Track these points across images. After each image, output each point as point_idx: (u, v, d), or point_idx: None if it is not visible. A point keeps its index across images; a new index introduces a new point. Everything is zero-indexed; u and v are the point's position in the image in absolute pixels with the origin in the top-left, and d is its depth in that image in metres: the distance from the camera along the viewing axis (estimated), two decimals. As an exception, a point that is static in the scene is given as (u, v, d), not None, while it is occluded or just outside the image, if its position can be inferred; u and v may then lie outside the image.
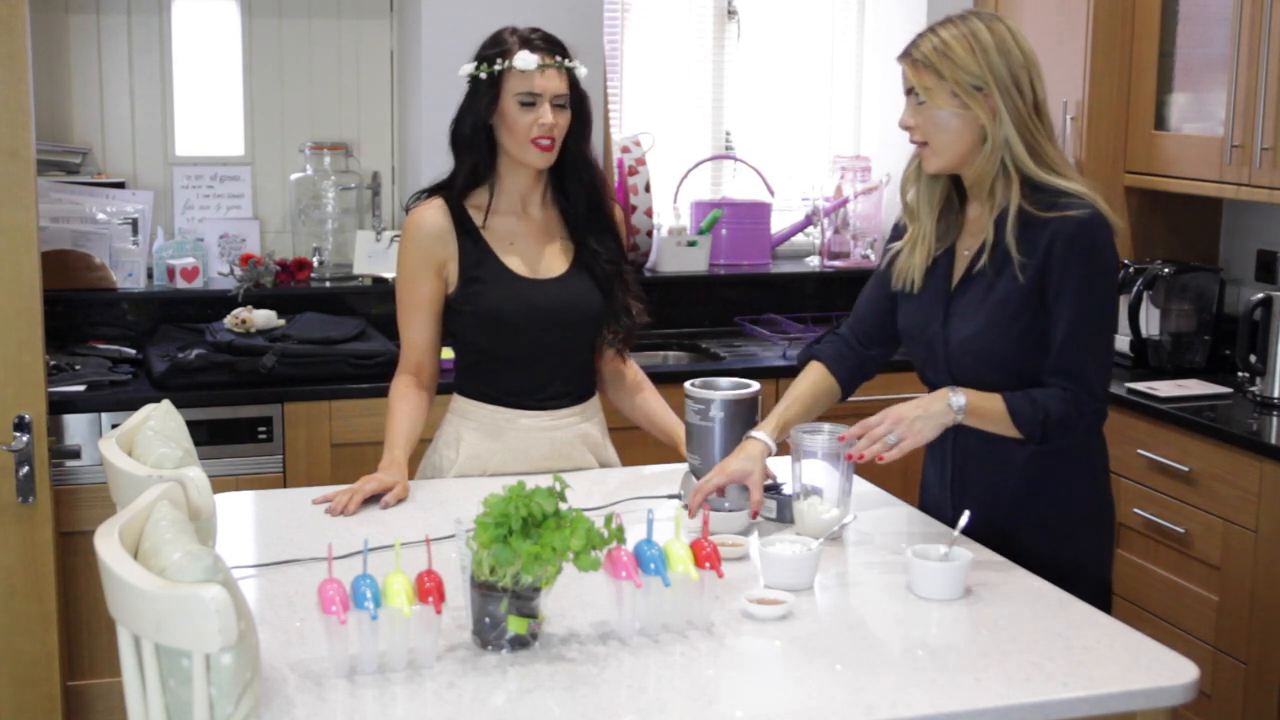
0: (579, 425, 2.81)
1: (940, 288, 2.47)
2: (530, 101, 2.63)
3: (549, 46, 2.67)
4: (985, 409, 2.33)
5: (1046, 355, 2.35)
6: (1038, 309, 2.34)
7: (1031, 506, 2.43)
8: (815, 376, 2.61)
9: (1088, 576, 2.36)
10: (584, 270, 2.77)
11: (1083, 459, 2.44)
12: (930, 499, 2.60)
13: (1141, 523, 3.58)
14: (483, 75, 2.66)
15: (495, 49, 2.67)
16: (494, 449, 2.76)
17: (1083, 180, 2.39)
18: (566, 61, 2.68)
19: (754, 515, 2.45)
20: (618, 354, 2.87)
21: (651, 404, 2.90)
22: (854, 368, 2.63)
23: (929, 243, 2.48)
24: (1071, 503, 2.44)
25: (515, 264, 2.73)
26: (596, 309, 2.76)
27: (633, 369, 2.92)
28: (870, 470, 2.89)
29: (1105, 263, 2.34)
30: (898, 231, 2.58)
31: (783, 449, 2.52)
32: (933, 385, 2.51)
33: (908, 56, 2.40)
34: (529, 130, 2.64)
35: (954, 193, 2.49)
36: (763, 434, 2.48)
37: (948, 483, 2.52)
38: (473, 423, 2.77)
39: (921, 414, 2.32)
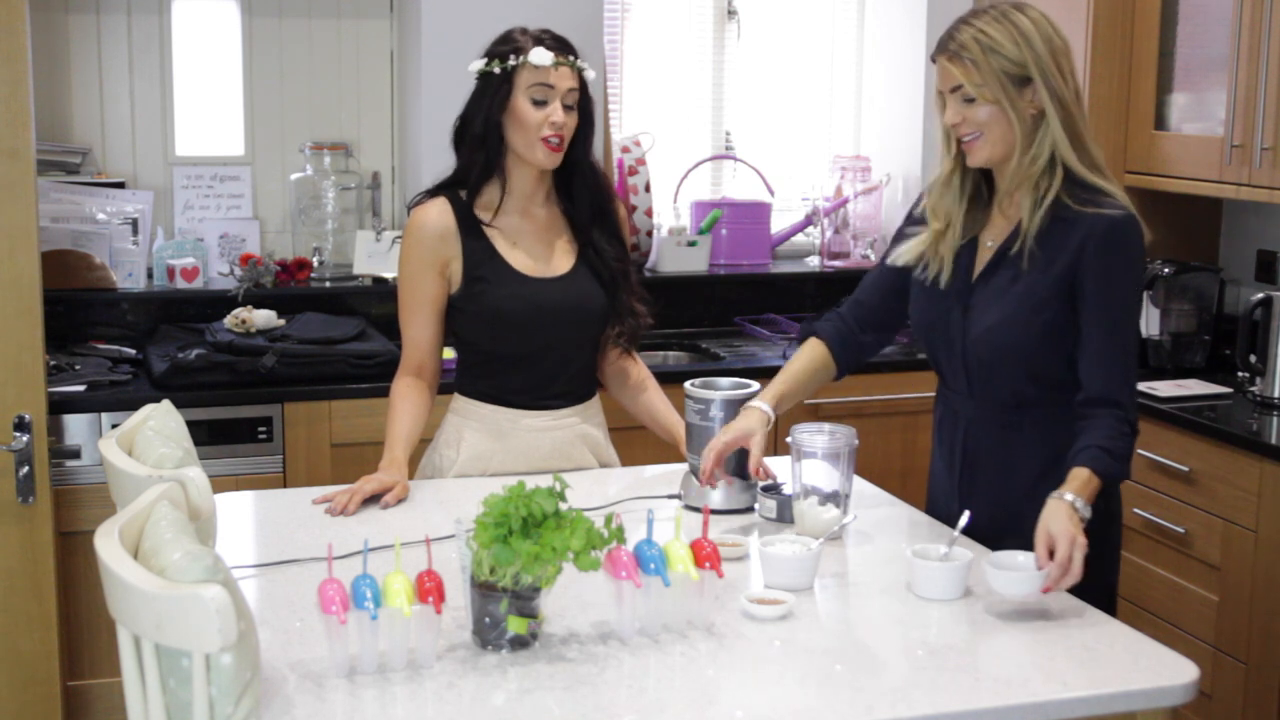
0: (580, 426, 2.81)
1: (961, 279, 2.44)
2: (542, 99, 2.63)
3: (560, 45, 2.67)
4: (1091, 489, 2.24)
5: (1064, 350, 2.34)
6: (1062, 305, 2.33)
7: (1037, 511, 2.41)
8: (813, 354, 2.60)
9: (1092, 580, 2.35)
10: (588, 269, 2.77)
11: None
12: (937, 497, 2.59)
13: (1141, 523, 3.58)
14: (495, 70, 2.65)
15: (507, 46, 2.67)
16: (495, 449, 2.76)
17: (1115, 180, 2.38)
18: (578, 61, 2.68)
19: (755, 473, 2.46)
20: (624, 352, 2.87)
21: (655, 402, 2.90)
22: (852, 350, 2.61)
23: (956, 233, 2.45)
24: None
25: (519, 263, 2.72)
26: (600, 308, 2.76)
27: (638, 367, 2.92)
28: (870, 470, 2.90)
29: (1138, 266, 2.35)
30: (901, 238, 2.56)
31: (783, 449, 2.52)
32: (948, 377, 2.50)
33: (947, 52, 2.34)
34: (539, 128, 2.64)
35: (984, 185, 2.46)
36: (763, 404, 2.48)
37: (955, 484, 2.51)
38: (474, 422, 2.77)
39: (1076, 529, 2.17)
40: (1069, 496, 2.21)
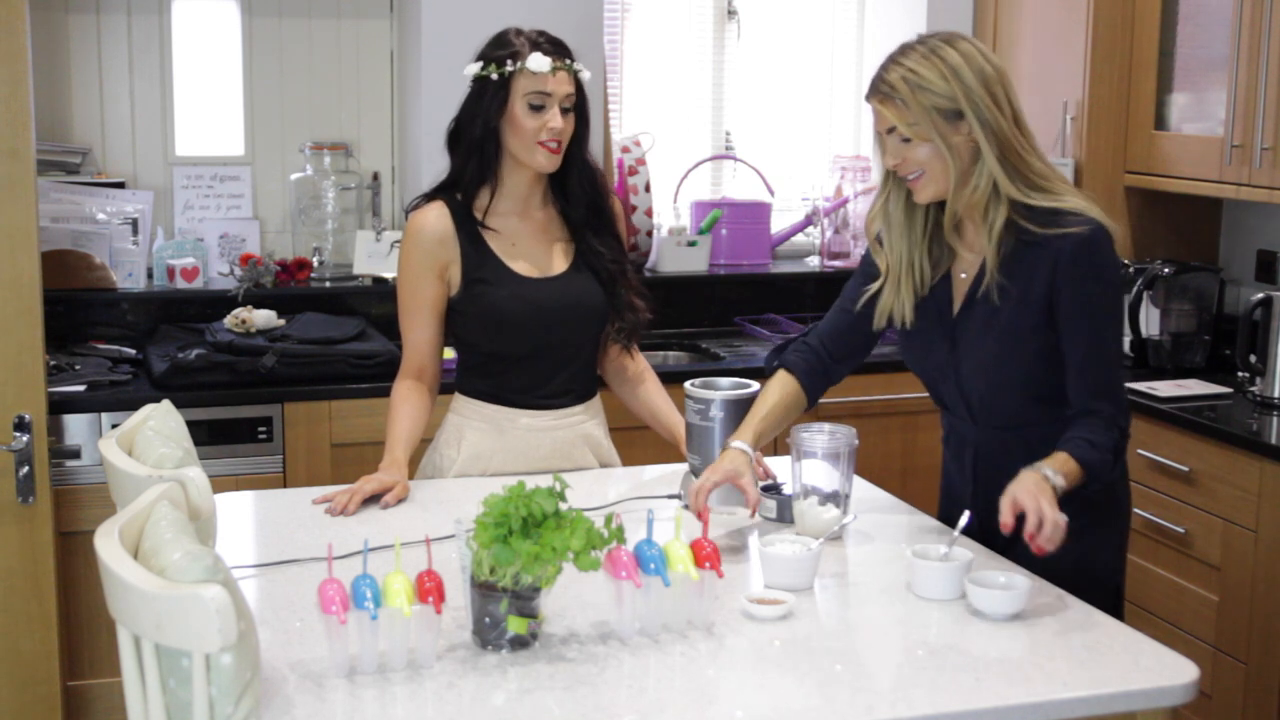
0: (581, 425, 2.81)
1: (941, 314, 2.43)
2: (540, 104, 2.63)
3: (557, 49, 2.67)
4: (1069, 470, 2.25)
5: (1060, 371, 2.33)
6: (1048, 328, 2.32)
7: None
8: (784, 390, 2.53)
9: (1103, 584, 2.34)
10: (586, 268, 2.77)
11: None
12: (952, 504, 2.53)
13: (1141, 523, 3.58)
14: (493, 76, 2.64)
15: (504, 50, 2.66)
16: (496, 448, 2.76)
17: (1075, 190, 2.35)
18: (574, 64, 2.68)
19: (752, 514, 2.44)
20: (624, 349, 2.87)
21: (655, 399, 2.90)
22: (821, 379, 2.57)
23: (918, 274, 2.42)
24: (1093, 512, 2.36)
25: (518, 264, 2.73)
26: (599, 306, 2.77)
27: (637, 362, 2.92)
28: (870, 470, 2.90)
29: (1111, 277, 2.33)
30: (867, 266, 2.53)
31: (783, 449, 2.52)
32: (947, 404, 2.49)
33: (878, 94, 2.33)
34: (537, 133, 2.63)
35: (941, 216, 2.41)
36: (743, 444, 2.42)
37: (971, 498, 2.47)
38: (475, 421, 2.77)
39: (1041, 491, 2.18)
40: (1042, 467, 2.22)
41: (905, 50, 2.34)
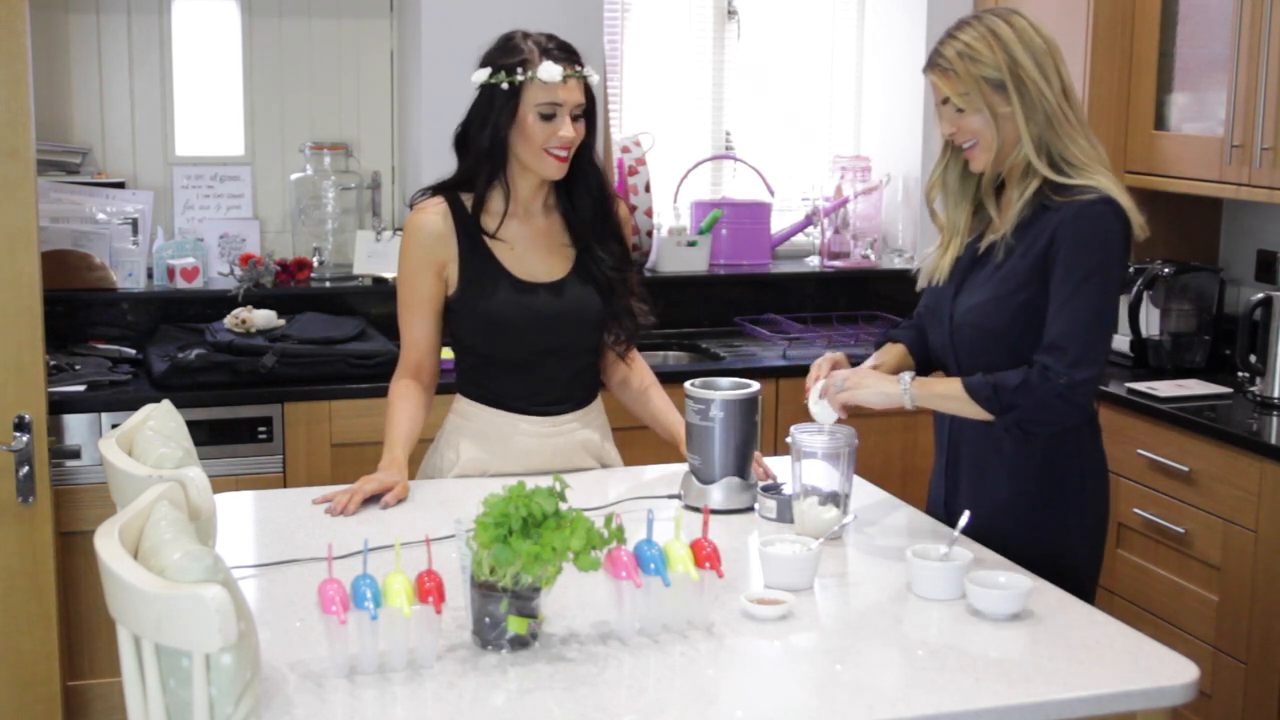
0: (579, 432, 2.80)
1: (960, 268, 2.51)
2: (551, 114, 2.60)
3: (567, 55, 2.63)
4: (940, 390, 2.41)
5: (1039, 335, 2.36)
6: (1039, 288, 2.36)
7: (1018, 497, 2.44)
8: (895, 348, 2.66)
9: (1068, 575, 2.36)
10: (585, 275, 2.75)
11: (1072, 454, 2.45)
12: (932, 487, 2.64)
13: (1141, 523, 3.58)
14: (503, 85, 2.60)
15: (514, 57, 2.61)
16: (495, 452, 2.75)
17: (1110, 176, 2.40)
18: (585, 70, 2.65)
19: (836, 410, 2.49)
20: (620, 357, 2.86)
21: (656, 403, 2.89)
22: (923, 351, 2.66)
23: (962, 238, 2.52)
24: (1058, 499, 2.44)
25: (515, 268, 2.72)
26: (596, 313, 2.75)
27: (639, 371, 2.90)
28: (870, 470, 2.91)
29: (1105, 246, 2.34)
30: None
31: (783, 449, 2.52)
32: (941, 362, 2.56)
33: (935, 67, 2.43)
34: (547, 142, 2.62)
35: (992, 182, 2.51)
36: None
37: (943, 469, 2.57)
38: (474, 425, 2.77)
39: (876, 388, 2.44)
40: (906, 375, 2.42)
41: (961, 25, 2.44)
